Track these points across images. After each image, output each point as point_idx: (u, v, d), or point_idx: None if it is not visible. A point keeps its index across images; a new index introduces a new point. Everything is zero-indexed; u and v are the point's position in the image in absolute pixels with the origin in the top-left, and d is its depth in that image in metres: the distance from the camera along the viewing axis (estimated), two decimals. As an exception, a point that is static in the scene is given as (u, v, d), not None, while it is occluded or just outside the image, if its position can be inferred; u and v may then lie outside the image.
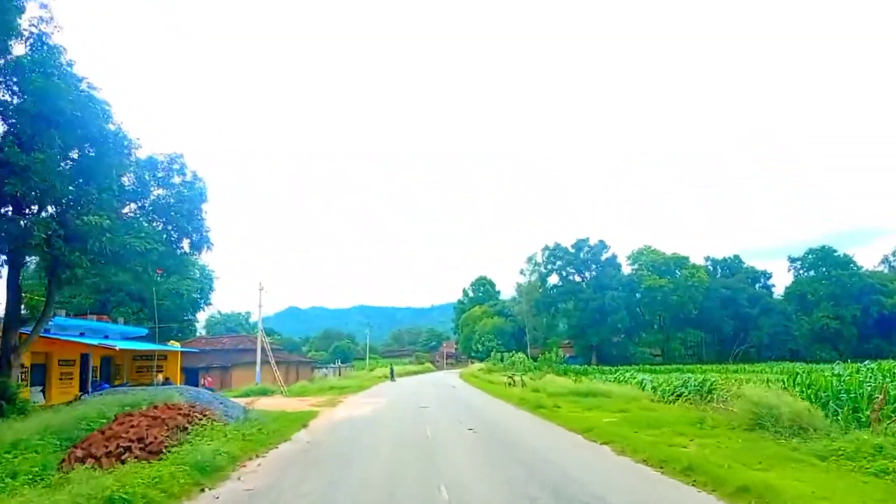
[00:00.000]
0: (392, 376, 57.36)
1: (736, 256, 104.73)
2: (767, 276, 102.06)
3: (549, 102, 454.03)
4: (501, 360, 57.77)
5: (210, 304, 66.86)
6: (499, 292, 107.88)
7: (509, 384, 35.66)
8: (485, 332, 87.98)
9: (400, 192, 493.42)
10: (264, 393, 35.07)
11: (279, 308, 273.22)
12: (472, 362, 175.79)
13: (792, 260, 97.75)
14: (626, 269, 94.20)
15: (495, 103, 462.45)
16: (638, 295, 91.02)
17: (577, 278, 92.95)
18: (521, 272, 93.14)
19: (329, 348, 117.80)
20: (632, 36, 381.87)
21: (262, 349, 40.71)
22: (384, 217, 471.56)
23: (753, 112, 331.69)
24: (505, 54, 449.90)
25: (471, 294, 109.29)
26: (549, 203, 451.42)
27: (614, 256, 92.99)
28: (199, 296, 64.84)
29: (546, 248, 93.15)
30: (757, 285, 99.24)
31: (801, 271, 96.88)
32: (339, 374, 64.87)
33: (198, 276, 64.76)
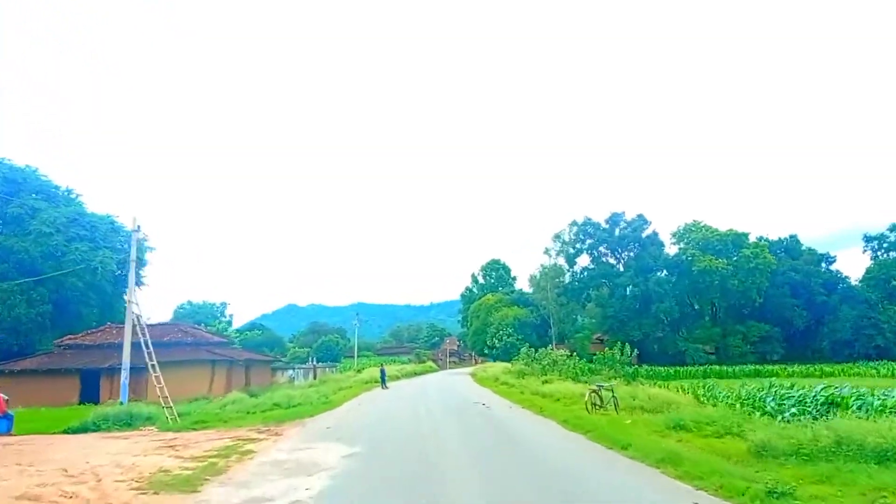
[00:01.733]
0: (383, 382, 40.89)
1: (793, 236, 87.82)
2: (831, 259, 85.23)
3: (544, 96, 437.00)
4: (535, 359, 41.29)
5: (143, 283, 50.23)
6: (514, 278, 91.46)
7: (594, 405, 19.12)
8: (503, 325, 71.34)
9: (399, 187, 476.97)
10: (128, 423, 18.47)
11: (278, 305, 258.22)
12: (478, 361, 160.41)
13: (868, 239, 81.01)
14: (670, 250, 77.66)
15: (492, 100, 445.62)
16: (686, 280, 74.48)
17: (612, 260, 76.42)
18: (546, 251, 76.60)
19: (314, 344, 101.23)
20: (633, 24, 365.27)
21: (143, 344, 23.62)
22: (383, 214, 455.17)
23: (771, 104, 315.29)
24: (493, 41, 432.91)
25: (481, 280, 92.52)
26: (551, 199, 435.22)
27: (656, 234, 76.48)
28: (122, 271, 48.12)
29: (574, 223, 76.70)
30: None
31: (880, 252, 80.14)
32: (314, 377, 48.49)
33: (121, 245, 48.15)
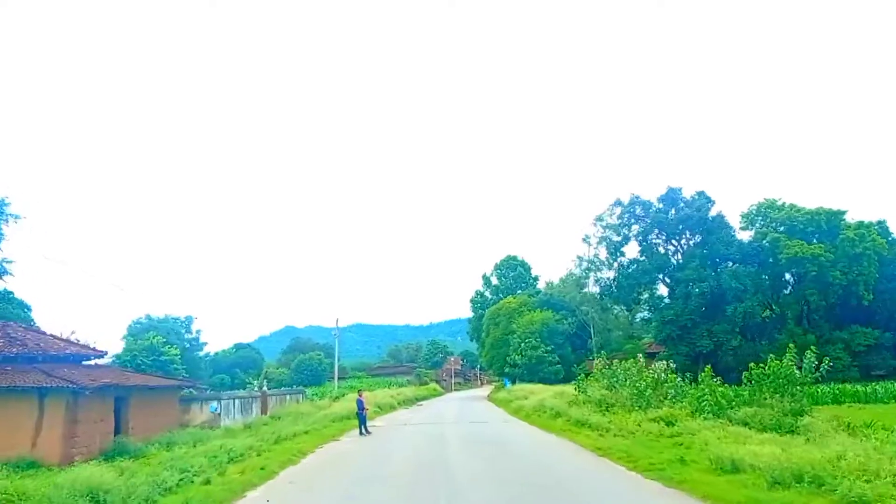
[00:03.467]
0: (361, 423, 23.26)
1: (881, 222, 70.49)
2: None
3: (531, 91, 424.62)
4: (620, 380, 24.32)
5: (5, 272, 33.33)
6: (536, 278, 74.01)
7: None
8: (529, 333, 54.25)
9: (395, 206, 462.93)
10: None
11: (275, 327, 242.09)
12: (484, 382, 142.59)
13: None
14: (740, 236, 60.74)
15: (488, 102, 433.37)
16: (766, 273, 57.65)
17: (669, 248, 59.59)
18: (585, 239, 59.68)
19: (293, 364, 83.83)
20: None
21: None
22: (379, 233, 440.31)
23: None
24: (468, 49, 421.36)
25: (494, 281, 75.03)
26: (551, 193, 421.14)
27: (722, 215, 59.57)
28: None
29: (618, 203, 59.93)
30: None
31: None
32: (262, 412, 31.25)
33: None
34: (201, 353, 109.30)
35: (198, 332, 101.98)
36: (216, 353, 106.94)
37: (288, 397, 36.69)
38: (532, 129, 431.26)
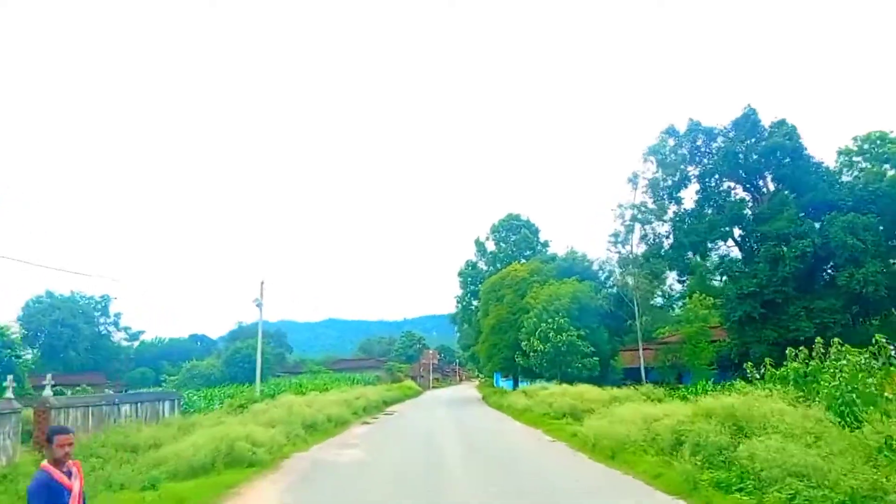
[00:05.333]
0: None
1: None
2: None
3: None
4: None
5: None
6: (545, 244, 56.22)
7: None
8: (552, 311, 36.77)
9: (371, 200, 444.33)
10: None
11: (246, 321, 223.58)
12: (463, 378, 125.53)
13: None
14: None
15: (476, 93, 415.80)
16: (880, 227, 41.06)
17: (740, 192, 42.98)
18: (630, 180, 42.42)
19: (223, 356, 65.22)
20: None
21: None
22: (353, 229, 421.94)
23: None
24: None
25: (491, 247, 56.87)
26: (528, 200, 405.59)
27: (810, 155, 42.84)
28: None
29: (671, 131, 42.90)
30: None
31: None
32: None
33: None
34: (135, 344, 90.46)
35: (117, 315, 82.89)
36: (142, 343, 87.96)
37: (126, 409, 18.56)
38: (521, 88, 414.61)
